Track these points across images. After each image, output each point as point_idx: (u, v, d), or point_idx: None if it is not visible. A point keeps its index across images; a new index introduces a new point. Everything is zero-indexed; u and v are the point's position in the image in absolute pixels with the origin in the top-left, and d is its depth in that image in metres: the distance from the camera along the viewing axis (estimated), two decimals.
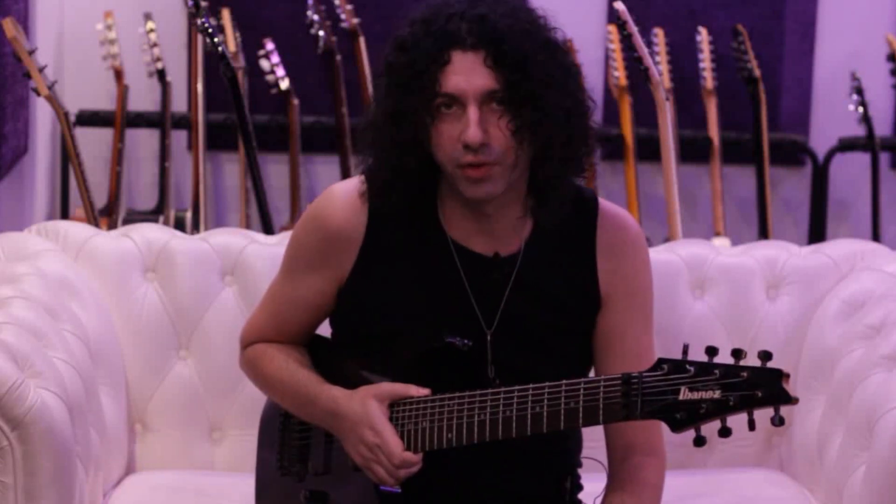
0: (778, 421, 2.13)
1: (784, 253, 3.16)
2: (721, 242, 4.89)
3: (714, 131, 5.19)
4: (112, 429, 2.88)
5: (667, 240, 3.74)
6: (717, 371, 2.14)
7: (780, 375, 2.12)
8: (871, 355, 2.80)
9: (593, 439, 2.57)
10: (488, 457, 2.41)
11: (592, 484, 2.53)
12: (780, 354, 3.01)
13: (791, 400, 2.12)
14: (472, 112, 2.29)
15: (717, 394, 2.13)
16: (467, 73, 2.29)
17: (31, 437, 2.42)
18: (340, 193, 2.47)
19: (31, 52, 3.78)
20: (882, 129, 5.30)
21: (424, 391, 2.37)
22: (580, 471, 2.56)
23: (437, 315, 2.42)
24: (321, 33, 5.09)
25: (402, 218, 2.43)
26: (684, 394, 2.15)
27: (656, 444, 2.47)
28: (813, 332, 3.05)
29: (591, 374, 2.51)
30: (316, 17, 5.09)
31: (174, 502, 2.88)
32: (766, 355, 2.14)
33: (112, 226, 4.75)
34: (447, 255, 2.43)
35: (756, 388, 2.12)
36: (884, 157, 5.33)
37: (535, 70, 2.30)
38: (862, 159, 5.26)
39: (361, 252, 2.45)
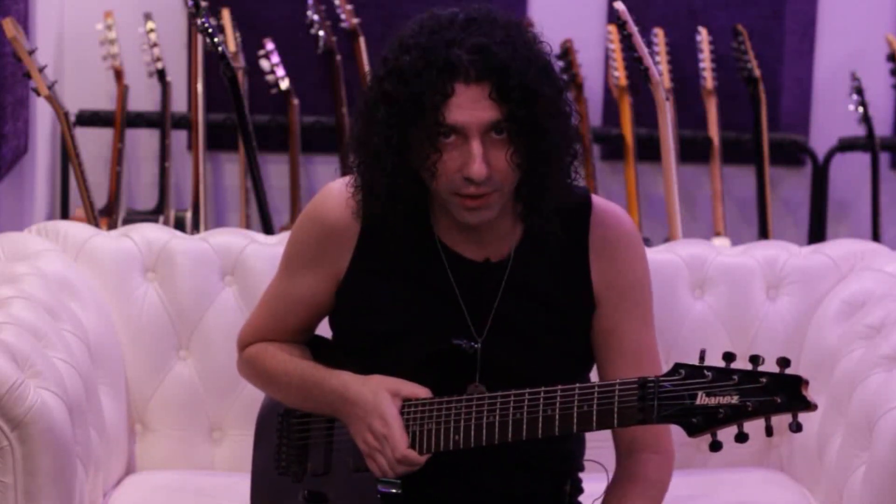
0: (795, 427, 2.14)
1: (784, 253, 3.16)
2: (721, 242, 4.89)
3: (714, 131, 5.19)
4: (112, 429, 2.88)
5: (667, 240, 3.74)
6: (735, 377, 2.14)
7: (799, 382, 2.12)
8: (871, 355, 2.80)
9: (596, 440, 2.57)
10: (488, 459, 2.41)
11: (593, 485, 2.53)
12: (780, 354, 3.01)
13: (810, 406, 2.13)
14: (476, 147, 2.27)
15: (734, 399, 2.13)
16: (471, 107, 2.26)
17: (31, 437, 2.42)
18: (338, 190, 2.47)
19: (31, 52, 3.78)
20: (882, 129, 5.30)
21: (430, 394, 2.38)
22: (582, 474, 2.56)
23: (428, 321, 2.42)
24: (321, 33, 5.09)
25: (396, 221, 2.42)
26: (701, 399, 2.15)
27: (663, 441, 2.46)
28: (813, 332, 3.05)
29: (595, 376, 2.51)
30: (316, 17, 5.09)
31: (174, 502, 2.88)
32: (784, 362, 2.14)
33: (112, 226, 4.75)
34: (437, 260, 2.43)
35: (775, 394, 2.12)
36: (884, 157, 5.33)
37: (538, 102, 2.27)
38: (862, 159, 5.25)
39: (357, 249, 2.46)
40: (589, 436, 2.56)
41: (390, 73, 2.30)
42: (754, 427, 2.17)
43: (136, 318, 3.04)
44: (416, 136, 2.28)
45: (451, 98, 2.26)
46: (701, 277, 3.13)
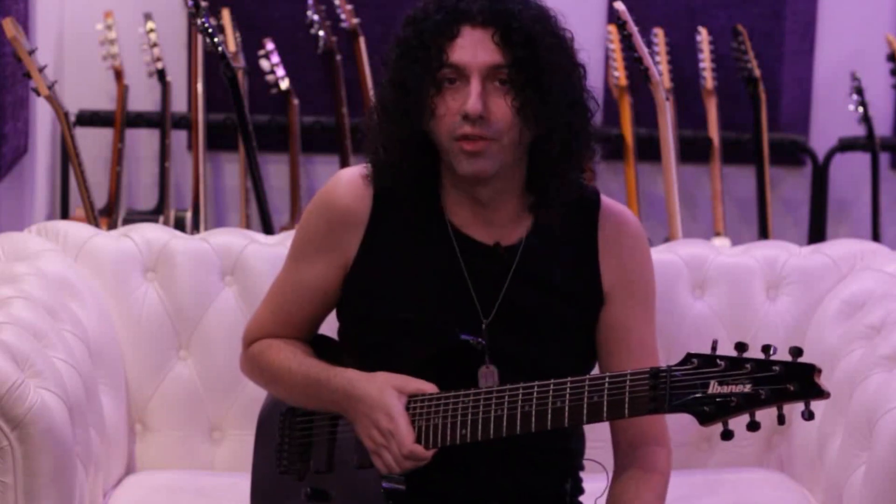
0: (808, 415, 2.15)
1: (784, 253, 3.16)
2: (721, 242, 4.89)
3: (714, 131, 5.19)
4: (112, 429, 2.88)
5: (667, 240, 3.74)
6: (748, 365, 2.15)
7: (812, 370, 2.13)
8: (871, 355, 2.80)
9: (596, 440, 2.57)
10: (491, 455, 2.41)
11: (593, 484, 2.53)
12: (780, 354, 3.02)
13: (823, 394, 2.14)
14: (475, 84, 2.32)
15: (747, 387, 2.14)
16: (474, 48, 2.33)
17: (31, 437, 2.42)
18: (347, 176, 2.50)
19: (31, 52, 3.78)
20: (882, 129, 5.30)
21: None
22: (582, 474, 2.56)
23: (436, 303, 2.43)
24: (321, 33, 5.09)
25: (406, 202, 2.45)
26: (713, 387, 2.16)
27: (664, 435, 2.49)
28: (813, 332, 3.05)
29: (596, 370, 2.52)
30: (316, 17, 5.09)
31: (174, 502, 2.88)
32: (797, 351, 2.15)
33: (112, 226, 4.75)
34: (447, 242, 2.45)
35: (788, 382, 2.13)
36: (884, 157, 5.33)
37: (542, 52, 2.33)
38: (862, 159, 5.26)
39: (366, 235, 2.47)
40: (589, 436, 2.57)
41: (407, 21, 2.39)
42: (760, 423, 2.18)
43: (136, 318, 3.04)
44: (421, 75, 2.35)
45: (456, 39, 2.34)
46: (701, 277, 3.13)
